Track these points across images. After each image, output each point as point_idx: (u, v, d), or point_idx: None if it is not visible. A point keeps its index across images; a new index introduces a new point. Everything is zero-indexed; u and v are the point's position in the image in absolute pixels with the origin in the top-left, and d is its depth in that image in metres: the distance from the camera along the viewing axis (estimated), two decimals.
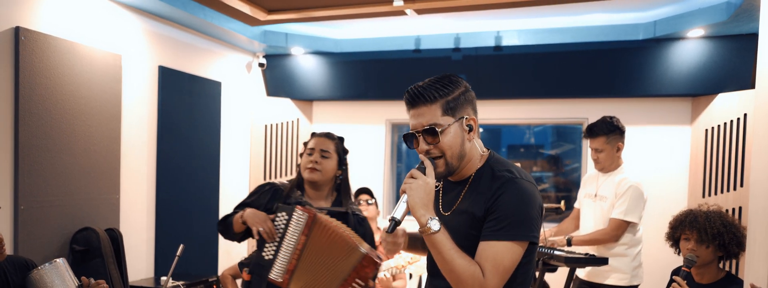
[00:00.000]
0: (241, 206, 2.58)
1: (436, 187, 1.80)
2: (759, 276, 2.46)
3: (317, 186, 2.51)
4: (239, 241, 2.56)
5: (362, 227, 2.49)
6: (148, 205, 4.01)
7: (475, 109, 1.72)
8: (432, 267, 1.77)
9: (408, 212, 1.59)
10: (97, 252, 3.37)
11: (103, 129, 3.57)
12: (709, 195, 4.31)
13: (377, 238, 4.11)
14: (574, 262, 3.23)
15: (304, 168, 2.48)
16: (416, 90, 1.65)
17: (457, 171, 1.70)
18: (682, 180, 4.58)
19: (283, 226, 2.35)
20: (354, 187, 5.02)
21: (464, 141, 1.68)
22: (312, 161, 2.45)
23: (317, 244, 2.30)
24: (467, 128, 1.68)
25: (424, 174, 1.60)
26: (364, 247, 2.26)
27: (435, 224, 1.54)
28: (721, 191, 4.21)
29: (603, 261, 3.31)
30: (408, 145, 1.71)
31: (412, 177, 1.60)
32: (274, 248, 2.36)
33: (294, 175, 2.53)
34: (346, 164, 2.56)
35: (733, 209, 4.06)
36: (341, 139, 2.58)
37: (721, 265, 2.80)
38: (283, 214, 2.35)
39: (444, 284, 1.65)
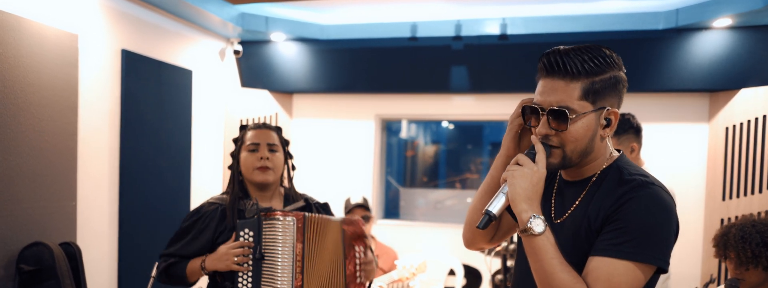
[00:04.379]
0: (178, 240, 2.17)
1: (553, 186, 1.49)
2: None
3: (267, 187, 2.17)
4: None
5: (327, 213, 2.28)
6: (109, 214, 3.42)
7: (621, 101, 1.37)
8: (521, 278, 1.47)
9: (507, 206, 1.32)
10: (50, 272, 2.78)
11: (57, 123, 2.97)
12: (730, 198, 4.02)
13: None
14: None
15: (250, 169, 2.13)
16: (559, 56, 1.32)
17: (574, 167, 1.39)
18: (699, 181, 4.27)
19: (253, 241, 1.98)
20: (340, 190, 4.62)
21: (596, 136, 1.35)
22: (261, 158, 2.12)
23: (313, 245, 2.01)
24: (605, 122, 1.34)
25: (534, 161, 1.31)
26: (335, 217, 2.10)
27: (539, 225, 1.27)
28: (744, 194, 3.92)
29: None
30: (524, 121, 1.40)
31: (518, 163, 1.32)
32: (251, 276, 1.97)
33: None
34: (291, 157, 2.27)
35: (758, 214, 3.77)
36: (279, 129, 2.27)
37: None
38: (246, 231, 2.00)
39: None
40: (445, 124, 6.87)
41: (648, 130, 4.25)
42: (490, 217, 1.32)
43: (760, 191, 3.82)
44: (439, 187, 6.48)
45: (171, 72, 3.90)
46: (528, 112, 1.38)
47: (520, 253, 1.50)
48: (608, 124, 1.35)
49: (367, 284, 2.07)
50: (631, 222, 1.25)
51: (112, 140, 3.42)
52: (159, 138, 3.79)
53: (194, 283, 2.15)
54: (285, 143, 2.25)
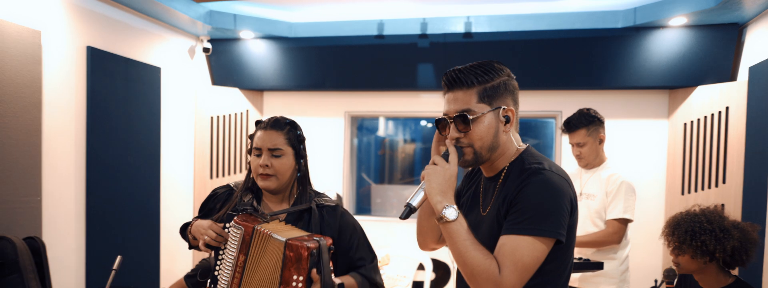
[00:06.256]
0: (199, 211, 2.17)
1: (479, 184, 1.71)
2: None
3: (274, 191, 2.04)
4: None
5: (333, 217, 2.04)
6: (76, 210, 3.44)
7: (516, 100, 1.60)
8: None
9: (425, 199, 1.53)
10: (13, 266, 2.79)
11: (20, 119, 3.00)
12: (689, 192, 4.13)
13: None
14: None
15: (254, 173, 2.00)
16: (454, 73, 1.56)
17: (487, 162, 1.61)
18: (659, 176, 4.39)
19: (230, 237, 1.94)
20: (314, 186, 4.66)
21: (499, 132, 1.57)
22: (262, 166, 1.96)
23: (253, 260, 1.87)
24: (504, 119, 1.57)
25: (447, 161, 1.53)
26: (284, 236, 1.82)
27: (451, 213, 1.47)
28: (702, 188, 4.04)
29: (598, 265, 3.05)
30: (439, 131, 1.63)
31: (434, 163, 1.53)
32: (220, 265, 1.94)
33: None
34: (303, 156, 2.06)
35: (715, 207, 3.88)
36: (293, 125, 2.06)
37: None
38: (227, 225, 1.94)
39: None
40: (423, 122, 6.94)
41: (610, 126, 4.36)
42: (410, 209, 1.52)
43: (716, 185, 3.93)
44: (415, 184, 6.55)
45: (138, 69, 3.92)
46: (440, 123, 1.60)
47: None
48: (508, 121, 1.57)
49: None
50: (526, 203, 1.47)
51: (77, 137, 3.45)
52: (127, 134, 3.82)
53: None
54: (297, 142, 2.05)
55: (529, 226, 1.44)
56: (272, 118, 2.05)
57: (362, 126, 5.42)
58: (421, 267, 4.61)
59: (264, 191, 2.06)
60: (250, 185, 2.07)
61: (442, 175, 1.50)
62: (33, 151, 3.09)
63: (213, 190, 2.17)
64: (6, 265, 2.79)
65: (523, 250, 1.43)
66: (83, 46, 3.48)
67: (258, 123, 2.07)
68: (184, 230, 2.16)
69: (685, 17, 3.84)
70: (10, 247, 2.81)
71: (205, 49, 4.55)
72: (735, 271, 2.76)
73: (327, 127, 4.95)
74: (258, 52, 4.68)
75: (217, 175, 4.72)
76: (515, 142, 1.62)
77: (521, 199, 1.48)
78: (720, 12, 3.66)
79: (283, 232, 1.85)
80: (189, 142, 4.57)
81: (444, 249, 3.90)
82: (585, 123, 3.21)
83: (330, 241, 1.86)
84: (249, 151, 2.06)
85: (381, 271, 3.47)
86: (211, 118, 4.69)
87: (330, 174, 4.93)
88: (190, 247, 2.13)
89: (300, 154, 2.04)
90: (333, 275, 1.86)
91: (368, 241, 2.10)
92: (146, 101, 4.01)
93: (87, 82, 3.49)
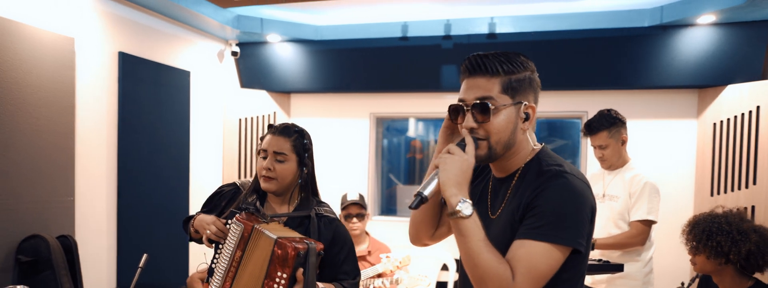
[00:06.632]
0: (204, 206, 2.27)
1: (488, 185, 1.60)
2: None
3: (276, 193, 2.13)
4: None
5: (328, 228, 2.10)
6: (108, 209, 3.57)
7: (537, 99, 1.50)
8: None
9: (438, 190, 1.38)
10: (46, 263, 2.94)
11: (54, 123, 3.13)
12: (718, 193, 4.05)
13: (365, 246, 3.76)
14: (587, 269, 2.92)
15: (259, 175, 2.10)
16: (479, 58, 1.43)
17: (499, 161, 1.50)
18: (688, 177, 4.31)
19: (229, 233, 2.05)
20: (338, 187, 4.72)
21: (517, 129, 1.45)
22: (265, 168, 2.06)
23: (253, 258, 1.95)
24: (523, 116, 1.46)
25: (464, 151, 1.39)
26: (276, 235, 1.89)
27: (467, 208, 1.33)
28: (731, 189, 3.95)
29: (618, 268, 3.03)
30: (451, 118, 1.49)
31: (449, 152, 1.39)
32: (217, 258, 2.06)
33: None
34: (307, 164, 2.13)
35: (745, 208, 3.80)
36: (301, 133, 2.13)
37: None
38: (229, 221, 2.05)
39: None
40: None
41: (638, 126, 4.32)
42: (421, 199, 1.37)
43: (746, 187, 3.84)
44: None
45: (168, 73, 4.05)
46: (454, 111, 1.48)
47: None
48: (527, 118, 1.46)
49: None
50: (546, 208, 1.36)
51: (109, 139, 3.58)
52: (157, 137, 3.94)
53: (195, 239, 2.20)
54: (302, 149, 2.12)
55: (547, 232, 1.35)
56: (284, 124, 2.15)
57: (392, 127, 5.46)
58: (444, 267, 4.62)
59: (267, 193, 2.15)
60: (256, 186, 2.15)
61: (458, 166, 1.37)
62: (66, 153, 3.22)
63: (219, 187, 2.27)
64: (40, 262, 2.93)
65: (539, 257, 1.34)
66: (115, 51, 3.61)
67: (270, 127, 2.15)
68: (187, 223, 2.25)
69: (713, 15, 3.76)
70: (44, 245, 2.94)
71: (234, 53, 4.66)
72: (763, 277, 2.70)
73: (352, 129, 5.01)
74: (285, 55, 4.77)
75: (245, 176, 4.82)
76: (531, 142, 1.51)
77: (540, 203, 1.37)
78: (749, 9, 3.58)
79: (277, 232, 1.92)
80: (217, 143, 4.69)
81: None
82: (606, 125, 3.17)
83: (321, 246, 1.94)
84: (258, 153, 2.15)
85: (401, 272, 3.51)
86: (240, 120, 4.80)
87: (355, 175, 4.98)
88: (190, 239, 2.22)
89: (303, 162, 2.12)
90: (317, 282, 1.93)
91: (356, 258, 2.16)
92: (176, 104, 4.13)
93: (118, 86, 3.62)
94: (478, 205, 1.56)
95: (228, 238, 2.00)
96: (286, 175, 2.08)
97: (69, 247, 3.07)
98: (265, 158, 2.08)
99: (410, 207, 1.39)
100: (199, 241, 2.14)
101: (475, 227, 1.34)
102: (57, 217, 3.16)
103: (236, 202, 2.14)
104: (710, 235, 2.32)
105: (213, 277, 2.02)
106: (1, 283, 2.84)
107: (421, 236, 1.71)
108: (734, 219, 2.39)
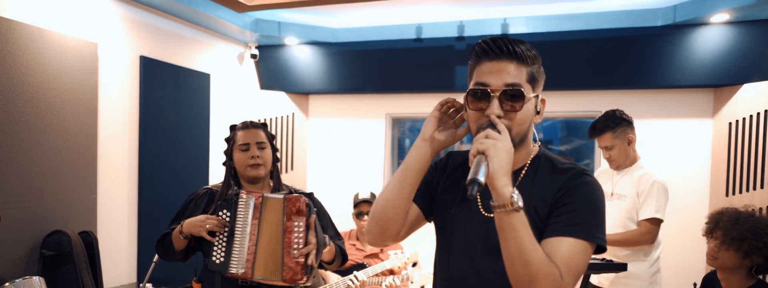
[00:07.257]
0: (176, 219, 2.43)
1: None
2: None
3: (258, 180, 2.38)
4: (184, 259, 2.39)
5: (314, 202, 2.43)
6: (129, 207, 3.73)
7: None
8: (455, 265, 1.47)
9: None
10: (68, 257, 3.10)
11: (78, 124, 3.29)
12: (733, 193, 4.01)
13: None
14: (590, 268, 2.94)
15: (244, 166, 2.34)
16: (508, 42, 1.31)
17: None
18: (703, 177, 4.27)
19: (228, 221, 2.25)
20: (354, 185, 4.82)
21: (532, 123, 1.39)
22: (253, 157, 2.33)
23: (268, 220, 2.21)
24: (536, 110, 1.40)
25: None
26: (278, 195, 2.22)
27: (521, 199, 1.20)
28: (747, 190, 3.91)
29: (621, 267, 3.03)
30: (471, 102, 1.33)
31: (490, 137, 1.24)
32: (223, 248, 2.22)
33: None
34: (277, 149, 2.46)
35: (760, 209, 3.76)
36: (265, 125, 2.47)
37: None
38: (224, 211, 2.25)
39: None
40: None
41: (653, 126, 4.30)
42: (479, 185, 1.18)
43: (762, 187, 3.80)
44: None
45: (189, 76, 4.20)
46: (475, 95, 1.33)
47: (441, 241, 1.52)
48: (538, 112, 1.40)
49: (306, 260, 2.16)
50: (582, 205, 1.32)
51: (131, 140, 3.73)
52: (177, 138, 4.09)
53: (181, 252, 2.35)
54: (271, 138, 2.42)
55: (586, 230, 1.30)
56: (248, 120, 2.45)
57: (413, 127, 5.52)
58: None
59: (245, 182, 2.38)
60: (233, 180, 2.38)
61: (506, 153, 1.23)
62: (89, 153, 3.38)
63: (190, 195, 2.47)
64: (61, 256, 3.09)
65: (580, 255, 1.29)
66: (137, 55, 3.76)
67: (235, 126, 2.43)
68: (161, 241, 2.40)
69: (727, 13, 3.73)
70: (66, 240, 3.10)
71: (253, 56, 4.79)
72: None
73: (368, 129, 5.09)
74: (303, 57, 4.88)
75: None
76: (536, 138, 1.46)
77: (575, 200, 1.32)
78: (763, 7, 3.55)
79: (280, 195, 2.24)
80: None
81: None
82: (610, 126, 3.17)
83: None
84: (227, 152, 2.40)
85: (409, 270, 3.59)
86: (259, 121, 4.92)
87: (371, 174, 5.06)
88: (170, 254, 2.38)
89: (274, 148, 2.43)
90: None
91: (335, 225, 2.53)
92: (196, 106, 4.28)
93: (140, 89, 3.77)
94: (462, 203, 1.47)
95: (238, 212, 2.21)
96: (268, 160, 2.36)
97: (90, 242, 3.22)
98: (245, 151, 2.33)
99: (469, 195, 1.17)
100: (179, 255, 2.34)
101: (525, 220, 1.23)
102: (79, 213, 3.32)
103: (218, 196, 2.32)
104: (757, 234, 2.31)
105: (232, 252, 2.19)
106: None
107: (387, 235, 1.49)
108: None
